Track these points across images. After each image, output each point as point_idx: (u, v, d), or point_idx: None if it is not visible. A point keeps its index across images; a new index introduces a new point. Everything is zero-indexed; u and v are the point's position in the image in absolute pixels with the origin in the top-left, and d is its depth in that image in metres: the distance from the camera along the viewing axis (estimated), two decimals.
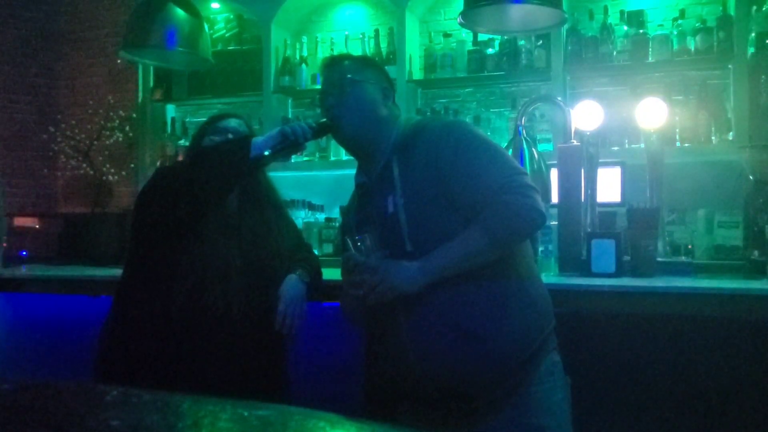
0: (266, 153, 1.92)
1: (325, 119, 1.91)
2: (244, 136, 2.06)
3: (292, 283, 2.10)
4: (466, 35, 4.01)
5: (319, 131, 1.95)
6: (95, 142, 4.74)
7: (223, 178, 1.97)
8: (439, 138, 1.79)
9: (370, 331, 1.91)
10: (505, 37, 3.86)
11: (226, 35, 4.61)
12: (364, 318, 1.89)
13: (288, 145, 1.94)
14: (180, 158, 4.25)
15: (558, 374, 1.82)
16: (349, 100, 1.88)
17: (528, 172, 2.66)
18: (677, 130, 3.54)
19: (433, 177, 1.76)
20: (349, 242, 1.78)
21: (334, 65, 1.97)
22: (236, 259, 2.02)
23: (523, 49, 3.88)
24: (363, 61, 2.06)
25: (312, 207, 4.07)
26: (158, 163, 4.52)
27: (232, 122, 2.17)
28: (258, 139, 1.98)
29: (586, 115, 2.73)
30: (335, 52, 4.24)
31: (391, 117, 1.91)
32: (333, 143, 4.14)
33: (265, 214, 2.14)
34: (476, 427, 1.76)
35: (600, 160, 2.72)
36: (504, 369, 1.72)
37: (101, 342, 2.07)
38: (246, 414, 0.67)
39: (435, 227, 1.74)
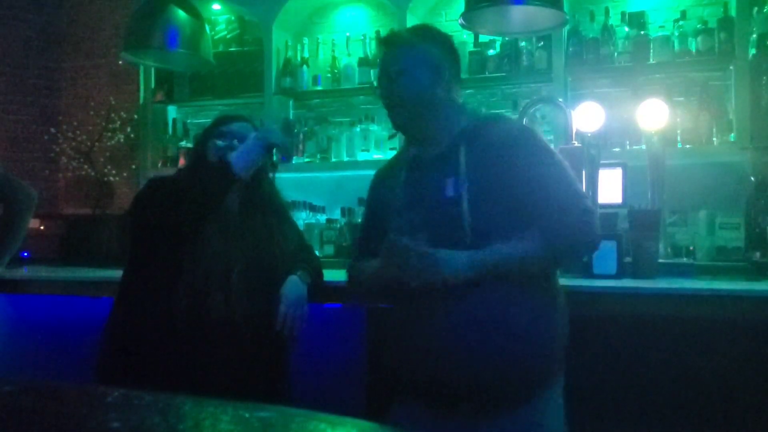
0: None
1: (285, 117, 1.93)
2: (222, 162, 2.01)
3: (294, 285, 2.10)
4: (467, 37, 4.01)
5: (285, 129, 1.97)
6: (96, 144, 4.74)
7: (204, 207, 1.98)
8: (516, 137, 1.78)
9: (391, 314, 1.86)
10: (506, 39, 3.86)
11: (228, 36, 4.61)
12: (385, 296, 1.85)
13: (270, 155, 2.01)
14: (177, 168, 4.24)
15: (562, 382, 1.84)
16: (406, 89, 1.83)
17: None
18: (678, 132, 3.53)
19: (503, 172, 1.73)
20: (394, 221, 1.75)
21: (399, 46, 1.89)
22: (238, 263, 2.01)
23: (524, 51, 3.88)
24: (432, 39, 1.91)
25: (313, 208, 4.07)
26: (159, 164, 4.52)
27: (236, 126, 2.16)
28: (238, 159, 1.98)
29: (587, 117, 2.73)
30: (336, 54, 4.25)
31: (451, 99, 1.86)
32: (334, 144, 4.15)
33: (267, 218, 2.13)
34: (483, 425, 1.75)
35: (601, 162, 2.72)
36: (531, 370, 1.73)
37: (103, 345, 2.07)
38: (247, 416, 0.67)
39: (495, 222, 1.72)
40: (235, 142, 2.09)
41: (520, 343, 1.70)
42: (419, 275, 1.66)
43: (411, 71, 1.84)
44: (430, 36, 1.93)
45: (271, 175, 2.21)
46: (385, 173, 1.98)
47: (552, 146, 1.87)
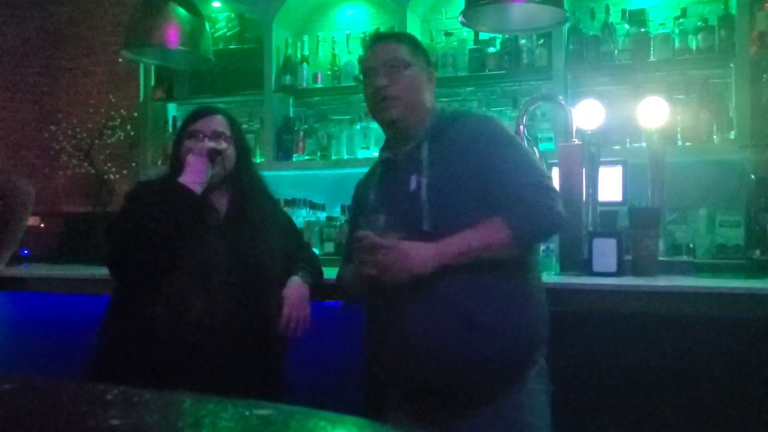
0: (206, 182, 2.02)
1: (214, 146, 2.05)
2: (178, 187, 2.01)
3: (296, 285, 2.08)
4: (468, 34, 4.01)
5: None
6: (96, 141, 4.74)
7: (182, 233, 1.97)
8: (475, 129, 1.82)
9: (373, 312, 1.89)
10: (507, 36, 3.85)
11: (228, 34, 4.61)
12: (367, 295, 1.88)
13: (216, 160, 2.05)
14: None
15: (543, 378, 1.83)
16: (399, 83, 1.87)
17: None
18: (679, 129, 3.53)
19: (462, 163, 1.76)
20: (363, 220, 1.79)
21: (384, 43, 1.95)
22: (219, 267, 1.98)
23: (525, 48, 3.87)
24: (417, 45, 2.00)
25: (313, 206, 4.07)
26: (159, 162, 4.52)
27: (212, 122, 2.12)
28: (187, 179, 1.99)
29: (587, 114, 2.72)
30: (336, 52, 4.24)
31: (432, 103, 1.93)
32: (334, 142, 4.15)
33: (254, 218, 2.09)
34: (464, 421, 1.77)
35: (601, 159, 2.72)
36: (502, 363, 1.73)
37: (95, 345, 2.05)
38: (247, 413, 0.67)
39: (455, 211, 1.74)
40: (206, 140, 2.07)
41: (487, 337, 1.71)
42: (387, 269, 1.69)
43: (414, 68, 1.89)
44: (418, 42, 2.05)
45: (260, 173, 2.21)
46: (365, 180, 2.04)
47: (514, 134, 1.90)
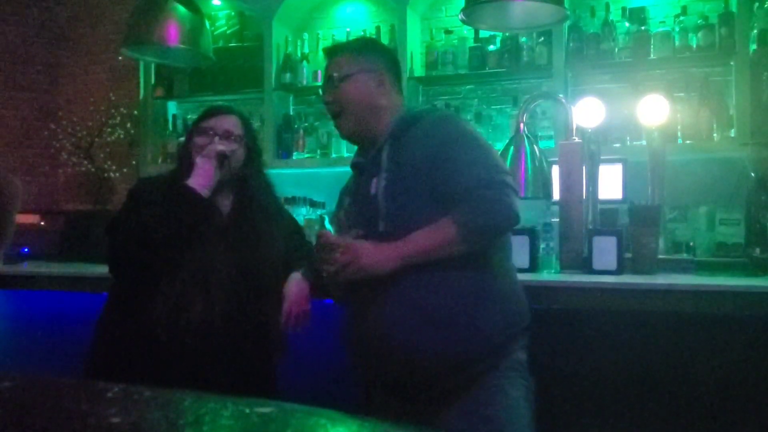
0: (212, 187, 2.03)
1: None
2: (185, 189, 2.00)
3: (297, 282, 2.09)
4: (468, 32, 4.00)
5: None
6: (96, 140, 4.74)
7: (185, 235, 1.97)
8: (430, 129, 1.83)
9: (343, 312, 1.92)
10: (507, 34, 3.85)
11: (228, 32, 4.61)
12: (331, 291, 1.92)
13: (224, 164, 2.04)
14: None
15: (520, 372, 1.82)
16: (341, 98, 1.91)
17: (529, 169, 2.68)
18: (679, 127, 3.53)
19: (418, 165, 1.78)
20: (327, 219, 1.84)
21: (328, 59, 2.00)
22: (219, 268, 1.98)
23: (525, 46, 3.87)
24: (358, 50, 2.02)
25: (313, 204, 4.06)
26: (159, 160, 4.52)
27: (225, 121, 2.11)
28: (196, 182, 2.00)
29: (587, 112, 2.72)
30: None
31: (391, 105, 1.93)
32: (334, 140, 4.15)
33: (256, 219, 2.09)
34: (435, 416, 1.77)
35: (601, 157, 2.72)
36: (465, 358, 1.74)
37: (92, 344, 2.05)
38: (247, 411, 0.67)
39: (411, 212, 1.76)
40: (216, 139, 2.06)
41: (448, 333, 1.72)
42: (342, 267, 1.73)
43: (355, 77, 1.90)
44: (372, 46, 2.08)
45: (264, 172, 2.21)
46: (345, 185, 2.06)
47: (471, 127, 1.90)
